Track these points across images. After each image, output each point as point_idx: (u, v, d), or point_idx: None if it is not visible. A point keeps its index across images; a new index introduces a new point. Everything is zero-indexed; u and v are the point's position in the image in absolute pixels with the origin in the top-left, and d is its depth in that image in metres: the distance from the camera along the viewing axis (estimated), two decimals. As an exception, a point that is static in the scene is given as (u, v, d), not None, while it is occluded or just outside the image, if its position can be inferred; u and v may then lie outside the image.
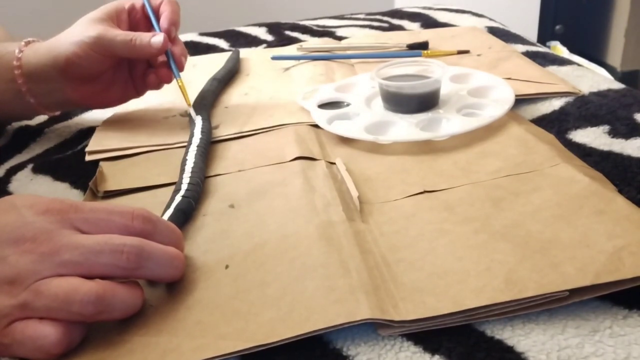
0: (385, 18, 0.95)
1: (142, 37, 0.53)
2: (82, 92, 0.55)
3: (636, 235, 0.33)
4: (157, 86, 0.58)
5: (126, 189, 0.46)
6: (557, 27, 2.04)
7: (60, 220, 0.31)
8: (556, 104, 0.54)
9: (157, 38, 0.53)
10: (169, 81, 0.57)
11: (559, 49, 1.86)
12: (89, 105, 0.59)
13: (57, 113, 0.61)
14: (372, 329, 0.30)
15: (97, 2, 0.58)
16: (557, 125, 0.51)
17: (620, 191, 0.40)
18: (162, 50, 0.54)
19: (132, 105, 0.63)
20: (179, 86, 0.56)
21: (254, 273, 0.34)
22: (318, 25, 0.93)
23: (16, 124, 0.62)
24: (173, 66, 0.56)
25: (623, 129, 0.48)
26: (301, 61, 0.72)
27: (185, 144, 0.50)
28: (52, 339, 0.29)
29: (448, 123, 0.50)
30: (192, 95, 0.60)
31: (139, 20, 0.58)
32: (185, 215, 0.40)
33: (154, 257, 0.32)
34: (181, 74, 0.57)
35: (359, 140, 0.50)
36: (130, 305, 0.31)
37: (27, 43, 0.54)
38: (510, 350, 0.29)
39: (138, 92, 0.60)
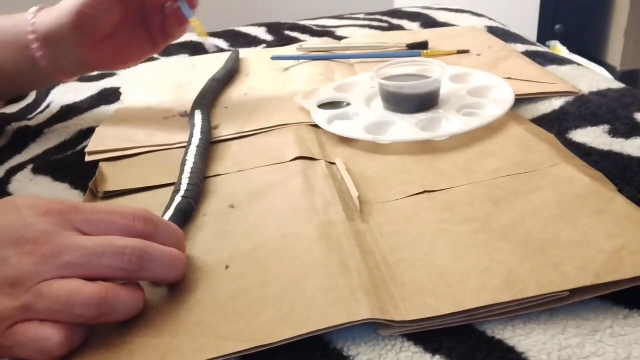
0: (385, 18, 0.95)
1: None
2: (98, 53, 0.55)
3: (636, 234, 0.33)
4: (180, 28, 0.58)
5: (126, 190, 0.46)
6: (557, 26, 2.04)
7: (62, 221, 0.31)
8: (556, 103, 0.54)
9: None
10: (187, 20, 0.56)
11: (559, 49, 1.86)
12: (106, 67, 0.58)
13: (75, 79, 0.60)
14: (372, 329, 0.30)
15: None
16: (557, 125, 0.51)
17: (621, 191, 0.40)
18: None
19: (132, 105, 0.63)
20: (193, 25, 0.56)
21: (254, 273, 0.34)
22: (318, 25, 0.93)
23: (16, 125, 0.62)
24: (184, 7, 0.55)
25: (623, 129, 0.48)
26: (301, 61, 0.72)
27: (185, 144, 0.50)
28: (55, 341, 0.29)
29: (448, 123, 0.50)
30: (192, 96, 0.60)
31: None
32: (186, 215, 0.40)
33: (156, 259, 0.32)
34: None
35: (359, 140, 0.50)
36: (132, 307, 0.31)
37: (40, 9, 0.54)
38: (511, 350, 0.29)
39: (156, 47, 0.59)
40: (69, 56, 0.54)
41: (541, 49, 0.73)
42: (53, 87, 0.71)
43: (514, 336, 0.29)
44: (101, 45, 0.55)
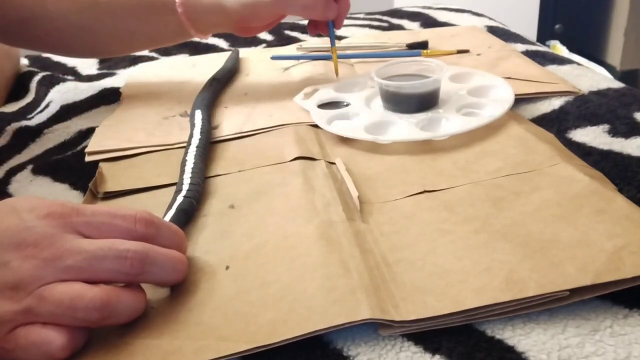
0: (385, 17, 0.95)
1: (324, 5, 0.57)
2: (247, 31, 0.61)
3: (636, 234, 0.33)
4: (312, 33, 0.64)
5: (126, 190, 0.46)
6: (557, 26, 2.04)
7: (62, 224, 0.30)
8: (556, 103, 0.54)
9: (332, 14, 0.58)
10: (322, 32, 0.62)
11: (559, 48, 1.86)
12: (248, 35, 0.63)
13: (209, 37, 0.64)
14: (372, 329, 0.30)
15: None
16: (556, 124, 0.51)
17: (621, 190, 0.40)
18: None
19: (132, 105, 0.63)
20: (333, 56, 0.62)
21: (255, 273, 0.34)
22: (317, 25, 0.93)
23: (16, 125, 0.62)
24: (332, 35, 0.61)
25: (623, 128, 0.48)
26: (301, 61, 0.72)
27: (185, 144, 0.50)
28: (57, 344, 0.29)
29: (448, 123, 0.50)
30: (192, 95, 0.60)
31: None
32: (187, 215, 0.40)
33: (158, 262, 0.31)
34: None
35: (359, 140, 0.50)
36: (134, 310, 0.31)
37: None
38: (510, 350, 0.29)
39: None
40: (215, 29, 0.61)
41: (541, 48, 0.73)
42: (52, 86, 0.71)
43: (514, 336, 0.29)
44: (253, 28, 0.60)
